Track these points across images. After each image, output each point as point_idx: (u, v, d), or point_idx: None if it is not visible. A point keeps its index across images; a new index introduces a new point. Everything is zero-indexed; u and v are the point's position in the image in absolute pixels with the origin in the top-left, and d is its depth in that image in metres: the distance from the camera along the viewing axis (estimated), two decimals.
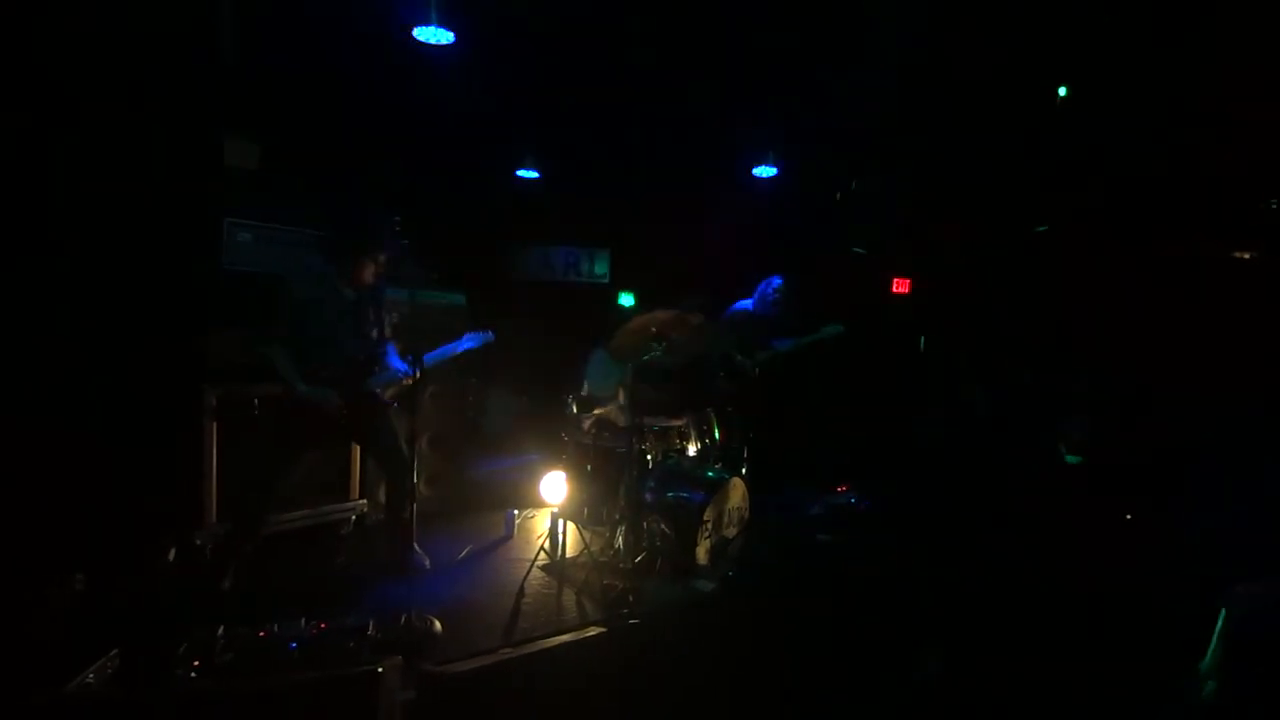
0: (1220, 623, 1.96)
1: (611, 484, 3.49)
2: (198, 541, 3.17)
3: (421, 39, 3.60)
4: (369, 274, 3.01)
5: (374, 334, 3.09)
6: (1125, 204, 4.70)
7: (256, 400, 3.32)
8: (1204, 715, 1.93)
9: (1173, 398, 3.96)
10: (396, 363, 3.10)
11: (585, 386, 4.23)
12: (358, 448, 3.74)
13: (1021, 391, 5.10)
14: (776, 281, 4.51)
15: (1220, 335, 3.91)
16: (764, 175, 5.40)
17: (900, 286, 6.44)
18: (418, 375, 2.74)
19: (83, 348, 3.03)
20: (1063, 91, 4.14)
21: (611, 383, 4.08)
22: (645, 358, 3.43)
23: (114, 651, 1.97)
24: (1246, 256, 4.35)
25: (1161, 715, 2.13)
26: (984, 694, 2.59)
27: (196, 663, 2.06)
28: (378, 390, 3.07)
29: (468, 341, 3.19)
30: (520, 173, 5.44)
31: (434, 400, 4.24)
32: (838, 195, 5.77)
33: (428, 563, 3.29)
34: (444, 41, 3.61)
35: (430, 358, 3.04)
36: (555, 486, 3.84)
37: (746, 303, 4.57)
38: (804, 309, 4.60)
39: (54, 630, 2.53)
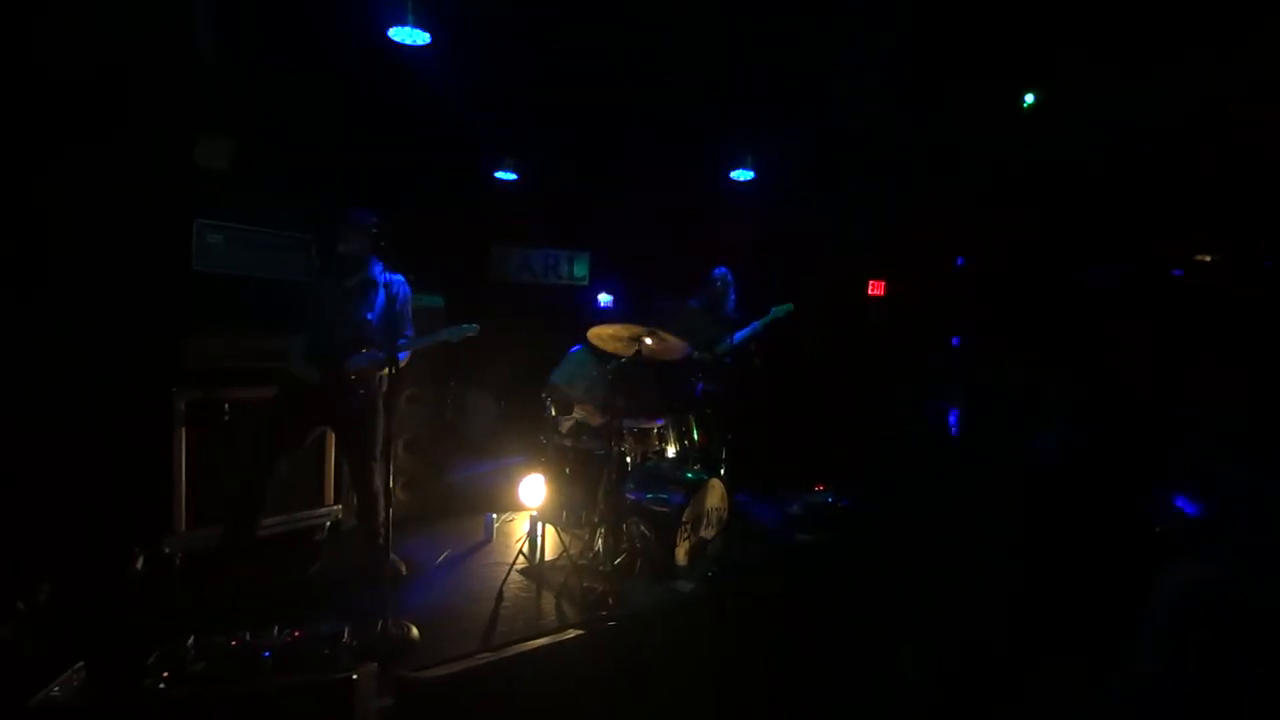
0: (1158, 603, 2.01)
1: (591, 486, 3.49)
2: (166, 549, 3.11)
3: (398, 40, 3.58)
4: (350, 261, 3.08)
5: (366, 317, 3.09)
6: (1112, 206, 4.78)
7: (227, 405, 3.27)
8: (1145, 695, 1.97)
9: (1157, 400, 4.03)
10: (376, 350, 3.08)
11: (555, 374, 4.20)
12: (333, 453, 3.70)
13: (1000, 393, 5.19)
14: (718, 271, 4.55)
15: (1208, 338, 3.98)
16: (741, 179, 5.45)
17: (876, 289, 6.53)
18: (392, 364, 2.73)
19: (47, 352, 2.96)
20: (1029, 99, 4.22)
21: (585, 381, 4.07)
22: (623, 360, 3.44)
23: (80, 663, 1.92)
24: (1240, 260, 4.42)
25: (1104, 696, 2.17)
26: (966, 692, 2.62)
27: (166, 673, 2.02)
28: (351, 369, 3.04)
29: (447, 333, 3.17)
30: (499, 174, 5.42)
31: (411, 403, 4.20)
32: (815, 198, 5.82)
33: (404, 569, 3.26)
34: (420, 43, 3.59)
35: (405, 345, 3.09)
36: (534, 489, 3.83)
37: (694, 300, 4.61)
38: (747, 296, 4.63)
39: (17, 641, 2.46)
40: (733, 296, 4.54)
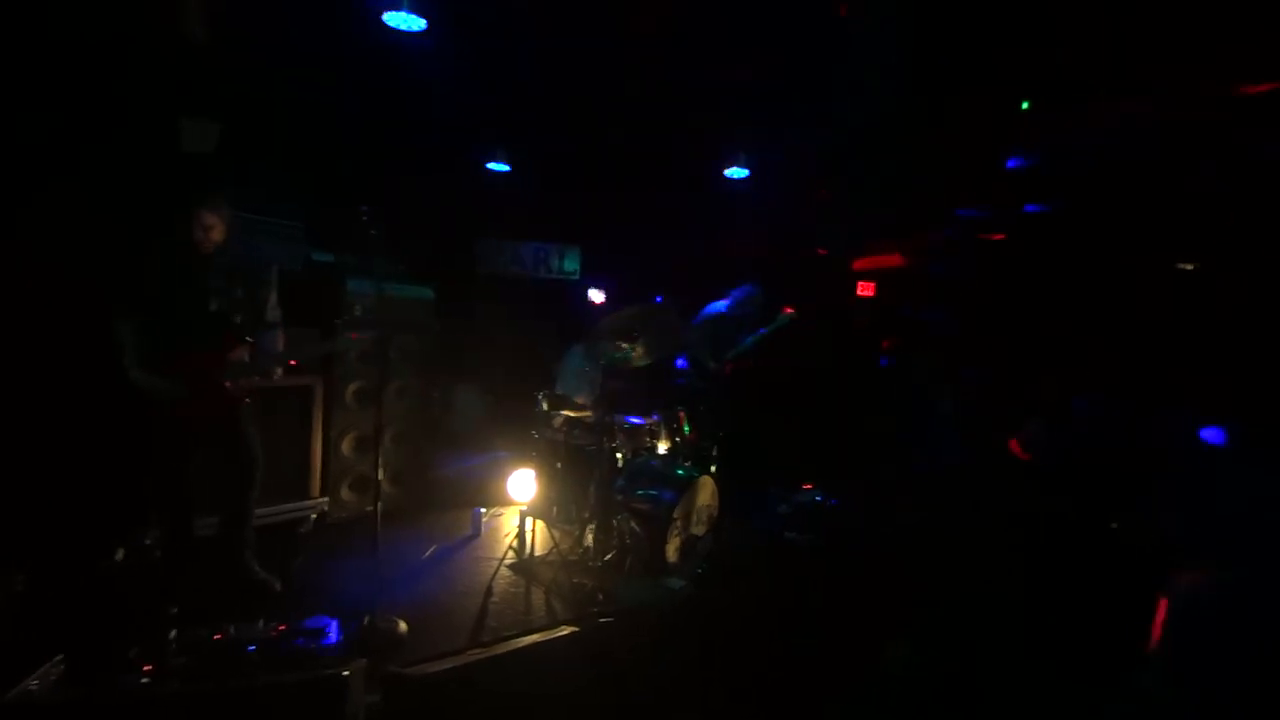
0: (1161, 613, 2.03)
1: (582, 482, 3.47)
2: (147, 541, 3.04)
3: (392, 25, 3.51)
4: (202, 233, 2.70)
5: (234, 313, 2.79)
6: (1095, 211, 4.84)
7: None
8: (1152, 706, 1.99)
9: (1137, 403, 4.09)
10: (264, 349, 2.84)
11: (558, 384, 4.19)
12: (319, 440, 3.64)
13: (983, 392, 5.24)
14: (753, 290, 4.57)
15: (1188, 343, 4.03)
16: (735, 176, 5.43)
17: (865, 290, 6.55)
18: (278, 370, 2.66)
19: (26, 344, 2.87)
20: (1025, 105, 4.25)
21: (584, 383, 4.05)
22: (616, 356, 3.42)
23: (59, 656, 1.87)
24: (1207, 267, 4.49)
25: (1112, 710, 2.20)
26: (955, 687, 2.64)
27: (148, 667, 1.98)
28: (228, 381, 2.75)
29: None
30: (491, 165, 5.36)
31: (399, 396, 4.15)
32: (808, 197, 5.84)
33: (278, 585, 2.98)
34: (415, 29, 3.53)
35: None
36: (523, 484, 3.80)
37: (720, 305, 4.59)
38: (769, 310, 4.67)
39: None
40: (760, 311, 4.58)
